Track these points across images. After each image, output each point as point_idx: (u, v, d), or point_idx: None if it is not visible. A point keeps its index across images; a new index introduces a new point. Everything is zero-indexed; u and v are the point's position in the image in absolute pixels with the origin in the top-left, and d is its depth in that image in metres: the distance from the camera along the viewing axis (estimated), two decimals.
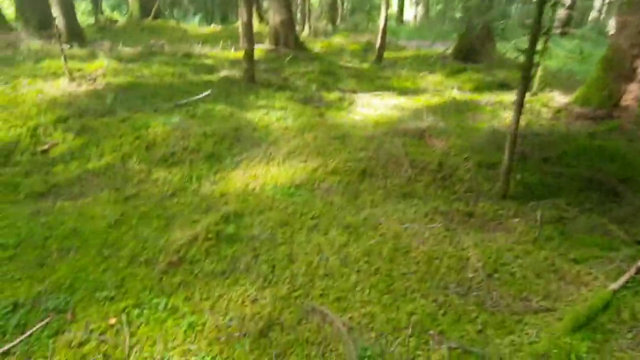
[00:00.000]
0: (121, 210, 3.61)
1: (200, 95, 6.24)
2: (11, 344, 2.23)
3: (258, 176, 4.37)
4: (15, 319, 2.38)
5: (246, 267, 2.92)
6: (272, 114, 5.84)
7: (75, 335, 2.26)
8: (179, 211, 3.67)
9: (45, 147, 4.81)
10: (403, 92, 7.96)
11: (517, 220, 3.61)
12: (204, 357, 2.17)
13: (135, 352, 2.20)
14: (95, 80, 6.14)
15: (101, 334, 2.30)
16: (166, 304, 2.51)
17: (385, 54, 10.77)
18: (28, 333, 2.29)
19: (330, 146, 4.86)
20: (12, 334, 2.30)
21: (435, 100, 7.48)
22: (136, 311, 2.46)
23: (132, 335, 2.31)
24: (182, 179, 4.30)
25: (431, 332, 2.38)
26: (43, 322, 2.36)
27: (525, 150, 4.60)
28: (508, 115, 6.21)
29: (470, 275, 2.87)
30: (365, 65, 9.98)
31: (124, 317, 2.41)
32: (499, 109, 6.70)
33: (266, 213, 3.62)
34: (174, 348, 2.22)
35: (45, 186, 4.08)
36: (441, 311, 2.55)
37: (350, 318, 2.45)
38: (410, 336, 2.34)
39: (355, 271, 2.88)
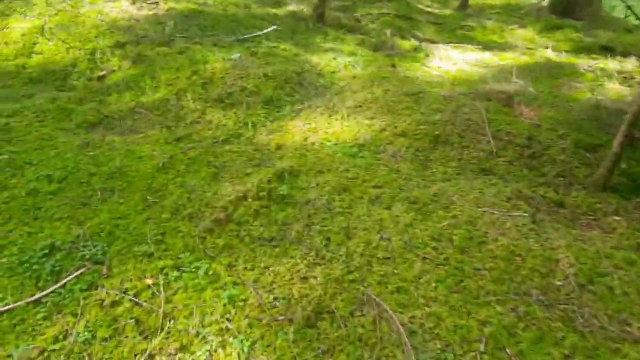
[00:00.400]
0: (170, 152, 3.37)
1: (264, 31, 5.79)
2: (43, 293, 2.07)
3: (318, 130, 3.97)
4: (50, 264, 2.22)
5: (297, 236, 2.61)
6: (340, 59, 5.31)
7: (108, 294, 2.07)
8: (230, 160, 3.37)
9: (103, 73, 4.62)
10: (488, 46, 7.08)
11: (617, 218, 3.03)
12: (242, 340, 1.91)
13: (170, 323, 1.98)
14: (157, 4, 5.81)
15: (136, 295, 2.10)
16: (207, 270, 2.26)
17: (471, 1, 9.65)
18: (61, 282, 2.13)
19: (401, 104, 4.33)
20: (45, 281, 2.15)
21: (524, 59, 6.60)
22: (175, 273, 2.23)
23: (167, 301, 2.09)
24: (237, 124, 3.99)
25: (508, 351, 1.99)
26: (78, 272, 2.18)
27: (635, 134, 3.86)
28: (613, 87, 5.32)
29: (559, 282, 2.41)
30: (447, 12, 9.00)
31: (161, 278, 2.19)
32: (600, 77, 5.77)
33: (324, 175, 3.26)
34: (211, 324, 1.98)
35: (98, 116, 3.90)
36: (521, 324, 2.14)
37: (412, 318, 2.10)
38: (482, 353, 1.97)
39: (420, 258, 2.49)
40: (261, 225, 2.67)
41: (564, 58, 6.81)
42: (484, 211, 2.92)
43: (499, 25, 8.58)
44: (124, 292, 2.09)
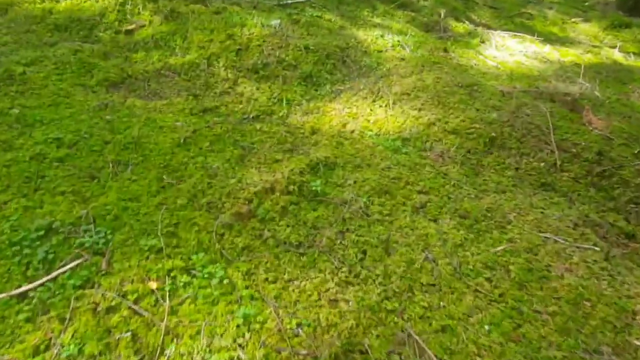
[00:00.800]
0: (195, 125, 3.01)
1: None
2: (31, 285, 1.77)
3: (359, 116, 3.55)
4: (43, 250, 1.91)
5: (329, 244, 2.25)
6: (388, 37, 4.81)
7: (104, 296, 1.76)
8: (259, 142, 3.01)
9: (132, 27, 4.25)
10: (548, 39, 6.44)
11: None
12: None
13: (172, 342, 1.66)
14: None
15: (136, 300, 1.78)
16: (222, 278, 1.93)
17: None
18: (53, 274, 1.82)
19: (453, 96, 3.86)
20: (35, 270, 1.85)
21: (588, 58, 5.97)
22: (184, 278, 1.90)
23: (172, 312, 1.77)
24: (270, 99, 3.59)
25: None
26: (73, 263, 1.88)
27: None
28: None
29: (636, 341, 2.00)
30: None
31: (167, 283, 1.87)
32: None
33: (363, 170, 2.87)
34: (220, 350, 1.65)
35: (121, 75, 3.55)
36: None
37: None
38: None
39: (471, 290, 2.11)
40: (288, 226, 2.31)
41: (632, 61, 6.15)
42: (547, 237, 2.50)
43: (560, 16, 7.86)
44: (123, 296, 1.77)
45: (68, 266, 1.85)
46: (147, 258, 1.96)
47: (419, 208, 2.64)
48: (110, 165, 2.53)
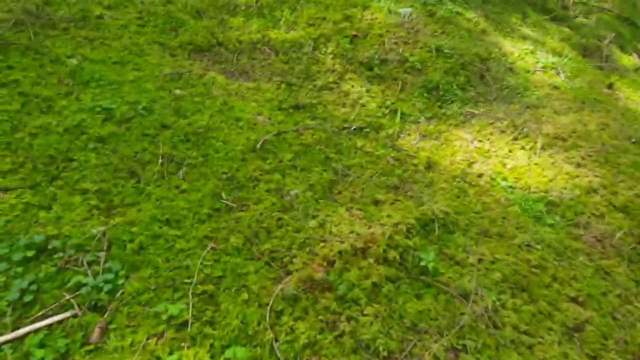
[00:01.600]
0: (280, 125, 2.30)
1: None
2: None
3: (492, 155, 2.65)
4: (23, 283, 1.29)
5: None
6: (540, 55, 3.79)
7: None
8: (357, 166, 2.23)
9: None
10: None
11: None
12: None
13: None
14: None
15: None
16: None
17: None
18: (21, 332, 1.20)
19: (625, 154, 2.83)
20: (0, 314, 1.24)
21: None
22: None
23: None
24: (382, 108, 2.79)
25: None
26: (56, 318, 1.24)
27: None
28: None
29: None
30: None
31: None
32: None
33: (492, 242, 2.00)
34: None
35: (209, 40, 2.92)
36: None
37: None
38: None
39: None
40: (377, 318, 1.54)
41: None
42: None
43: None
44: None
45: (46, 322, 1.22)
46: (162, 335, 1.28)
47: (573, 331, 1.74)
48: (160, 160, 1.89)
